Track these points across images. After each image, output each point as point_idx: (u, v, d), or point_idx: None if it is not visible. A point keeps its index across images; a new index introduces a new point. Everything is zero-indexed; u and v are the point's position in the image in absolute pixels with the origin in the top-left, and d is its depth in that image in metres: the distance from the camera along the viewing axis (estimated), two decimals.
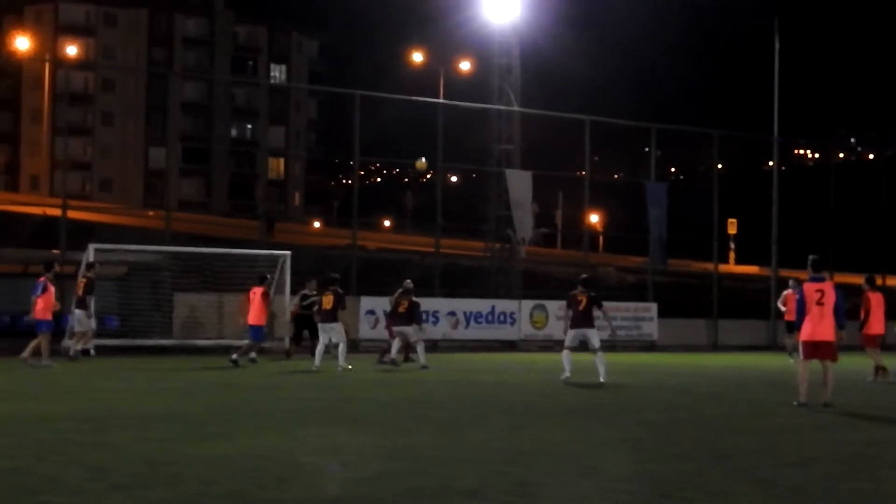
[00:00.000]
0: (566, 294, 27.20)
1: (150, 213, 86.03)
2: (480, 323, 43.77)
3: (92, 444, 14.30)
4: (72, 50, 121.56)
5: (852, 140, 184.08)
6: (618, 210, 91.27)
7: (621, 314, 45.14)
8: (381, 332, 36.92)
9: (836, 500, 11.48)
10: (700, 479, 12.40)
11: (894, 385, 26.89)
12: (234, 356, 30.38)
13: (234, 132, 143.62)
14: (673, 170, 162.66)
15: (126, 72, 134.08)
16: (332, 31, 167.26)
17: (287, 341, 35.75)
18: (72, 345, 32.91)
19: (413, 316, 31.49)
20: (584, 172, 51.20)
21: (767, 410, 20.24)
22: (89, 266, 33.56)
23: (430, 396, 22.17)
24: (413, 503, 10.87)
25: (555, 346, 42.46)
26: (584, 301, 25.82)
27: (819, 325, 19.98)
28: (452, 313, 43.21)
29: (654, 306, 47.59)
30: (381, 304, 37.40)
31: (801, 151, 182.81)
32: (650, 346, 46.20)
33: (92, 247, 36.09)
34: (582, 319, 25.84)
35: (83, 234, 50.31)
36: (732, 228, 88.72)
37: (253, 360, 31.40)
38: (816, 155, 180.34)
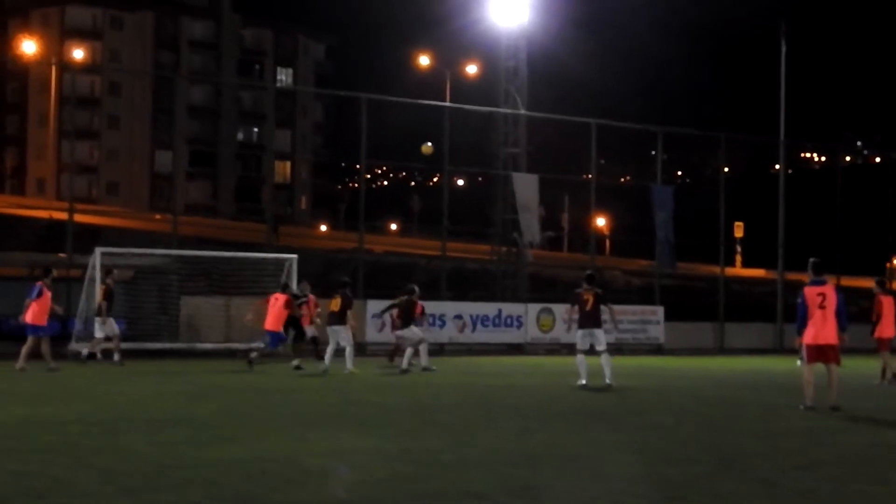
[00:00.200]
0: (571, 296, 26.97)
1: (157, 216, 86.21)
2: (487, 326, 43.79)
3: (100, 447, 14.32)
4: (78, 53, 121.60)
5: (859, 143, 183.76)
6: (624, 213, 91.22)
7: (628, 317, 45.20)
8: (387, 335, 36.82)
9: (843, 502, 11.48)
10: (707, 481, 12.40)
11: None
12: (253, 354, 30.34)
13: (240, 135, 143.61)
14: (679, 173, 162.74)
15: (132, 75, 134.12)
16: (338, 34, 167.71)
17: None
18: (112, 352, 33.07)
19: (407, 318, 31.38)
20: (590, 176, 51.24)
21: (774, 413, 20.22)
22: (108, 272, 33.52)
23: (438, 400, 22.17)
24: None
25: (561, 349, 42.56)
26: (592, 300, 25.47)
27: (822, 329, 19.96)
28: (459, 317, 43.23)
29: (660, 309, 47.62)
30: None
31: (808, 154, 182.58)
32: (657, 349, 46.21)
33: (98, 250, 36.16)
34: (590, 319, 25.49)
35: (90, 237, 50.39)
36: (739, 232, 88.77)
37: (252, 362, 31.35)
38: (823, 158, 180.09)
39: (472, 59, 74.23)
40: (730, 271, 61.00)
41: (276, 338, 31.30)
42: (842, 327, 20.17)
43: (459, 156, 51.07)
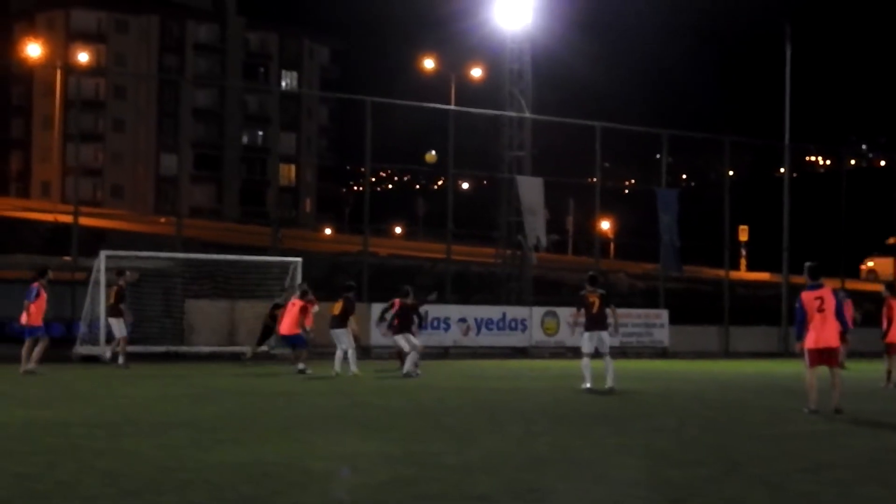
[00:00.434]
0: (576, 299, 26.88)
1: (162, 219, 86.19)
2: (492, 329, 43.79)
3: (104, 450, 14.31)
4: (83, 57, 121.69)
5: (864, 146, 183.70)
6: (629, 217, 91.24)
7: (632, 321, 45.20)
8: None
9: None
10: (712, 485, 12.38)
11: None
12: (301, 367, 30.24)
13: (245, 139, 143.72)
14: (684, 176, 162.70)
15: (137, 78, 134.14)
16: (343, 37, 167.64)
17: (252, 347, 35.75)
18: (113, 353, 33.09)
19: (404, 323, 31.20)
20: (595, 179, 51.22)
21: (779, 417, 20.20)
22: (120, 273, 33.52)
23: (442, 403, 22.14)
24: None
25: (566, 352, 42.54)
26: (598, 302, 25.41)
27: (822, 332, 19.94)
28: (464, 320, 43.21)
29: (665, 313, 47.61)
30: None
31: (813, 158, 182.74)
32: (662, 353, 46.20)
33: (103, 253, 36.15)
34: (597, 322, 25.46)
35: (94, 240, 50.41)
36: (744, 235, 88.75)
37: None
38: (828, 161, 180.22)
39: (476, 62, 74.24)
40: (734, 275, 61.01)
41: (293, 341, 31.18)
42: (844, 329, 20.18)
43: (464, 159, 51.04)
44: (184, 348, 37.57)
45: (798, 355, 20.75)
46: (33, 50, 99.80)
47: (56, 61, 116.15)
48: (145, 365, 33.20)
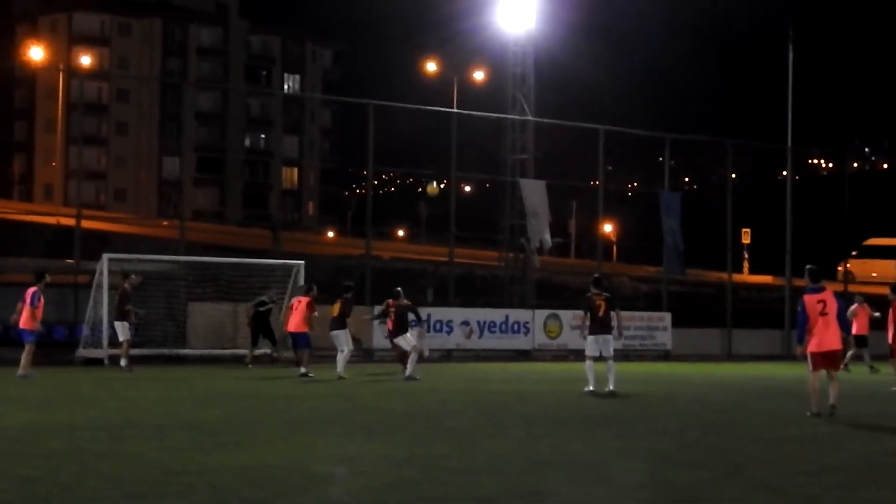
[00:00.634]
0: (580, 303, 26.84)
1: (165, 222, 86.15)
2: (494, 332, 43.77)
3: (107, 452, 14.33)
4: (86, 60, 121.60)
5: (867, 149, 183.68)
6: (632, 219, 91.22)
7: (635, 323, 45.16)
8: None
9: None
10: (715, 488, 12.39)
11: None
12: (303, 370, 30.17)
13: (247, 142, 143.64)
14: (687, 179, 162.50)
15: (140, 81, 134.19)
16: (345, 40, 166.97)
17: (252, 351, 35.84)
18: (112, 357, 33.14)
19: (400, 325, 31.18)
20: (597, 182, 51.21)
21: (782, 420, 20.20)
22: (125, 276, 33.55)
23: (446, 406, 22.15)
24: None
25: (569, 355, 42.53)
26: (603, 306, 25.33)
27: (825, 336, 19.92)
28: (466, 323, 43.21)
29: (668, 315, 47.59)
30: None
31: (816, 161, 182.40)
32: (664, 356, 46.18)
33: (106, 257, 36.17)
34: (602, 325, 25.41)
35: (97, 243, 50.40)
36: (746, 238, 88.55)
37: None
38: (831, 164, 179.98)
39: (479, 65, 74.24)
40: (737, 277, 60.95)
41: (301, 339, 31.10)
42: (845, 332, 20.18)
43: (467, 162, 51.06)
44: (186, 351, 37.58)
45: (799, 358, 20.74)
46: (36, 53, 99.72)
47: (59, 64, 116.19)
48: (147, 368, 33.21)
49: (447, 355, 42.20)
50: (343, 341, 29.81)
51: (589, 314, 25.52)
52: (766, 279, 73.85)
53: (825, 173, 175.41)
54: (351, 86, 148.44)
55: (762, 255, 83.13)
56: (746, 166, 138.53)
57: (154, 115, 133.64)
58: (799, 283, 48.63)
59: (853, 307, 36.23)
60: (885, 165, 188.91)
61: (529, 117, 48.88)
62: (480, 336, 43.42)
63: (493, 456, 14.57)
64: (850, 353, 35.70)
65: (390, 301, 30.89)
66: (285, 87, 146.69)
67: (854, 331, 35.24)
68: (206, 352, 37.65)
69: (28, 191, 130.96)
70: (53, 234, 62.94)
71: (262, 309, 35.55)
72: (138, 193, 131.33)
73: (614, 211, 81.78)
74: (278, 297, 36.98)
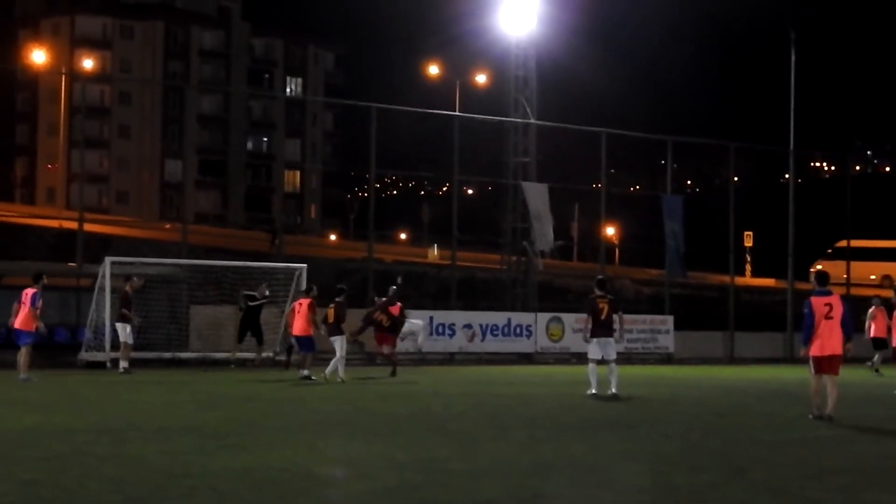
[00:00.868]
0: (583, 306, 26.78)
1: (167, 225, 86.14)
2: (497, 336, 43.74)
3: (110, 456, 14.31)
4: (88, 63, 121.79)
5: (869, 152, 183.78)
6: (634, 222, 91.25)
7: (638, 326, 45.14)
8: (400, 344, 36.33)
9: None
10: (717, 491, 12.38)
11: None
12: (305, 373, 30.15)
13: (250, 145, 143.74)
14: (689, 182, 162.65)
15: (142, 84, 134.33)
16: (348, 43, 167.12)
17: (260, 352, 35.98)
18: (113, 359, 33.18)
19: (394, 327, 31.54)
20: (600, 185, 51.20)
21: (785, 423, 20.18)
22: (127, 279, 33.55)
23: (449, 409, 22.14)
24: None
25: (571, 358, 42.53)
26: (607, 308, 25.25)
27: (829, 340, 19.86)
28: (469, 326, 43.18)
29: (670, 319, 47.57)
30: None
31: (818, 164, 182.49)
32: (667, 359, 46.17)
33: (108, 260, 36.14)
34: (605, 328, 25.32)
35: (100, 246, 50.43)
36: (749, 241, 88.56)
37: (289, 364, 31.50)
38: (833, 167, 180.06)
39: (481, 68, 74.33)
40: (739, 280, 60.86)
41: (306, 342, 31.07)
42: (848, 336, 20.14)
43: (469, 165, 51.05)
44: (188, 354, 37.57)
45: (803, 361, 20.71)
46: (38, 56, 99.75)
47: (61, 67, 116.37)
48: (150, 371, 33.20)
49: (449, 358, 42.18)
50: (338, 346, 29.81)
51: (592, 316, 25.48)
52: (768, 282, 73.79)
53: (827, 176, 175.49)
54: (353, 89, 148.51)
55: (764, 258, 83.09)
56: (748, 169, 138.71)
57: (156, 117, 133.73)
58: (801, 286, 48.68)
59: (871, 310, 36.35)
60: (888, 168, 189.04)
61: (531, 120, 48.89)
62: (483, 339, 43.40)
63: (495, 459, 14.56)
64: (876, 357, 35.84)
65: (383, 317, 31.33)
66: (287, 89, 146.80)
67: (872, 333, 35.41)
68: (208, 355, 37.60)
69: (30, 194, 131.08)
70: (56, 237, 62.99)
71: (252, 304, 35.61)
72: (140, 196, 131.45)
73: (616, 214, 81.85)
74: (281, 299, 36.97)
